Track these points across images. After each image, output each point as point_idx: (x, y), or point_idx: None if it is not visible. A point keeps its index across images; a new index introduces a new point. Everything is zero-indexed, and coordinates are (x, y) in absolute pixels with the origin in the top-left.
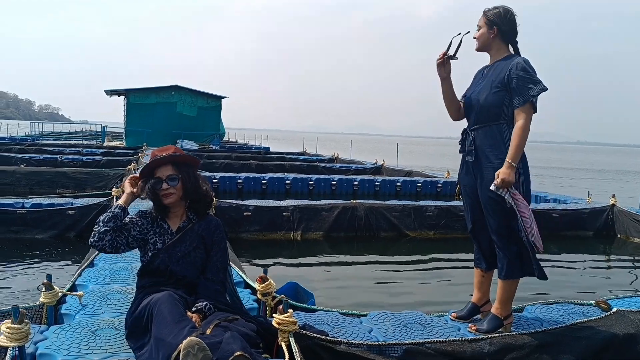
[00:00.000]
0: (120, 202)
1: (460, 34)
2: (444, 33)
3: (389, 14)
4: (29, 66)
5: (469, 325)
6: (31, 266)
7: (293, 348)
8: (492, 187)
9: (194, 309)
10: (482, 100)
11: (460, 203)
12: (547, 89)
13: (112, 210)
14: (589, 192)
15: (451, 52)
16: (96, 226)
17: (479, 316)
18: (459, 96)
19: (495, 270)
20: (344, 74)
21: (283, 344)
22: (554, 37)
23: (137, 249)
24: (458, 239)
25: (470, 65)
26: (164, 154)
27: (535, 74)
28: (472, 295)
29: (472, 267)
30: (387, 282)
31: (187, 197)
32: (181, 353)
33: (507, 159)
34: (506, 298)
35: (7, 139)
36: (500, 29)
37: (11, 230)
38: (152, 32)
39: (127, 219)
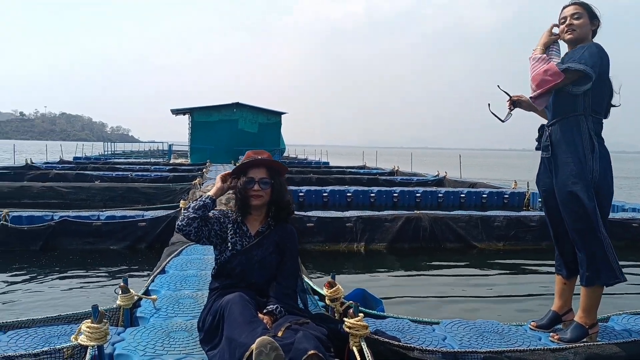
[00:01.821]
0: (210, 193)
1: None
2: (505, 42)
3: (448, 26)
4: (101, 91)
5: (551, 334)
6: (106, 275)
7: (365, 353)
8: None
9: (265, 310)
10: (557, 91)
11: (530, 213)
12: (586, 73)
13: (203, 199)
14: None
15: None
16: (185, 211)
17: (560, 326)
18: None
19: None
20: (403, 87)
21: (354, 349)
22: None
23: (213, 246)
24: (529, 250)
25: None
26: (259, 157)
27: (598, 61)
28: (552, 304)
29: (548, 278)
30: (456, 294)
31: (273, 203)
32: (254, 352)
33: None
34: (590, 306)
35: (83, 158)
36: (599, 24)
37: (88, 242)
38: (214, 52)
39: (210, 214)
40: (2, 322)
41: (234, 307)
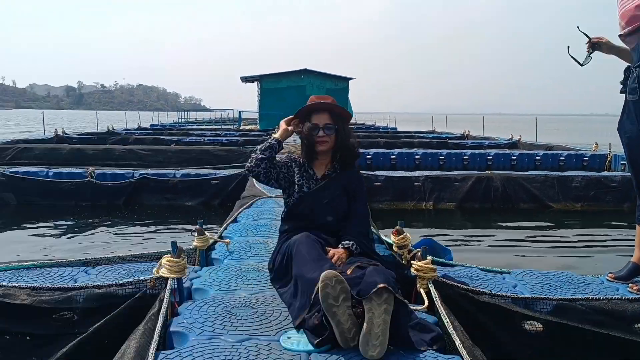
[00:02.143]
0: (276, 135)
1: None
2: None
3: None
4: (175, 62)
5: (630, 285)
6: (182, 226)
7: (433, 295)
8: None
9: (340, 245)
10: None
11: (612, 173)
12: None
13: (269, 141)
14: None
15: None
16: (253, 154)
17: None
18: None
19: None
20: (475, 50)
21: (422, 291)
22: None
23: (282, 190)
24: (609, 212)
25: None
26: (322, 102)
27: None
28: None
29: (628, 232)
30: (529, 247)
31: (338, 148)
32: (319, 285)
33: None
34: None
35: (159, 125)
36: None
37: (165, 198)
38: (280, 20)
39: (278, 157)
40: (91, 258)
41: (300, 247)
